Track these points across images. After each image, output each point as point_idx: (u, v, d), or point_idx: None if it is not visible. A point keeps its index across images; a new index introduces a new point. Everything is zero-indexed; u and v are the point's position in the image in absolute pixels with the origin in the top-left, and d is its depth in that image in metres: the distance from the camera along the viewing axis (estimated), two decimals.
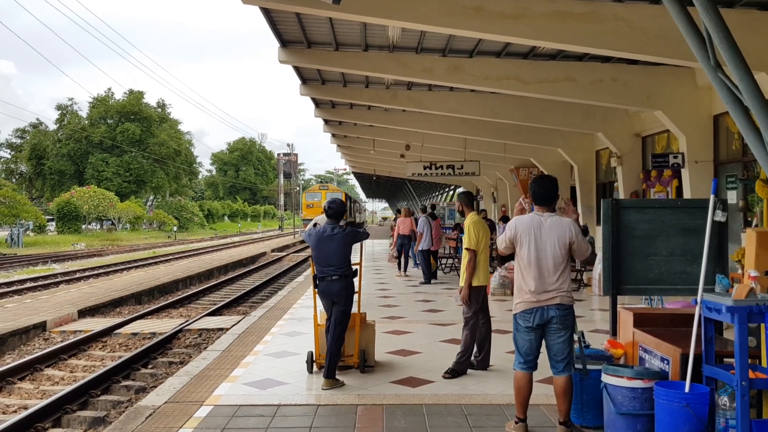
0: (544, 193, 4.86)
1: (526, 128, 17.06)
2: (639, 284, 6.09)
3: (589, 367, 4.90)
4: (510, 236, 4.86)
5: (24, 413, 6.34)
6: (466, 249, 6.56)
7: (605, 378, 4.53)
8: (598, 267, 12.26)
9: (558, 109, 14.75)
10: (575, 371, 4.81)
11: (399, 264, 17.15)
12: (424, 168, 22.48)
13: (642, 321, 5.28)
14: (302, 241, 38.60)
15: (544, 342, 4.78)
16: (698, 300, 4.24)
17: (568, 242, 4.71)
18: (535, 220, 4.80)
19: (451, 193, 49.11)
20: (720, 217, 4.65)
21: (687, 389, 4.07)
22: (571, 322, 4.72)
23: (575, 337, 4.82)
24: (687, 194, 11.94)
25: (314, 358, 6.65)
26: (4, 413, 6.85)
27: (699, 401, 3.96)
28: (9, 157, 76.30)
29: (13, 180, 72.91)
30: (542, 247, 4.72)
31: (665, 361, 4.60)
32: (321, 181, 38.93)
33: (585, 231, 12.38)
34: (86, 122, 72.04)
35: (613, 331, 5.84)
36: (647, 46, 8.75)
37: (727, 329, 5.67)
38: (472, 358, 6.66)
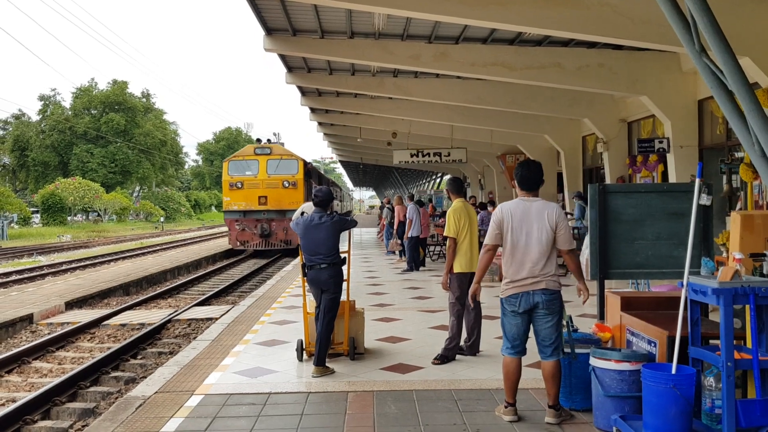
0: (529, 177, 4.88)
1: (512, 115, 17.09)
2: (626, 268, 6.15)
3: (577, 350, 4.94)
4: (497, 226, 4.84)
5: (12, 406, 6.32)
6: (446, 236, 6.65)
7: (593, 361, 4.58)
8: (585, 252, 12.33)
9: (544, 95, 14.77)
10: (564, 355, 4.85)
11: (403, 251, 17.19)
12: (411, 156, 22.44)
13: (629, 305, 5.33)
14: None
15: (531, 327, 4.82)
16: (684, 283, 4.28)
17: (555, 226, 4.72)
18: (521, 205, 4.81)
19: (439, 180, 49.17)
20: (705, 200, 4.69)
21: (674, 371, 4.11)
22: (558, 307, 4.75)
23: (563, 322, 4.86)
24: (672, 179, 12.03)
25: (304, 346, 6.67)
26: None
27: (685, 382, 4.01)
28: None
29: None
30: (528, 231, 4.73)
31: (652, 344, 4.66)
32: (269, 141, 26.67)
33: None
34: (70, 113, 71.18)
35: (601, 315, 5.90)
36: (632, 32, 8.77)
37: (713, 311, 5.75)
38: (462, 343, 6.70)
